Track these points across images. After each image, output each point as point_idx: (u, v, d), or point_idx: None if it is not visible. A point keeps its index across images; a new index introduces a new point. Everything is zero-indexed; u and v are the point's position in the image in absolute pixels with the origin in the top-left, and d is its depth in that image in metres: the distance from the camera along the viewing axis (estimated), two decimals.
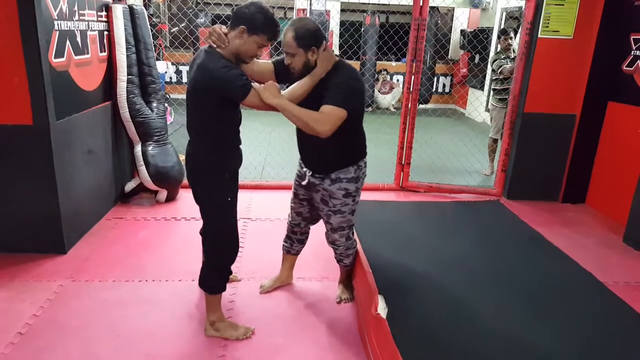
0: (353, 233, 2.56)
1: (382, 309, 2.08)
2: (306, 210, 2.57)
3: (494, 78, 5.02)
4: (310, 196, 2.48)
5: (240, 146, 2.25)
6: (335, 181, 2.31)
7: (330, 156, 2.28)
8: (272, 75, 2.26)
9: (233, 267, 2.97)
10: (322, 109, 2.05)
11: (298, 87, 2.12)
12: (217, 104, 2.02)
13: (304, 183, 2.42)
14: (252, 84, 2.03)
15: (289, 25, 2.10)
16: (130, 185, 3.99)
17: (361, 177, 2.39)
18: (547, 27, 3.98)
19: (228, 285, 2.76)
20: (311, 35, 2.09)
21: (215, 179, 2.14)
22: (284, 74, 2.24)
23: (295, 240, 2.72)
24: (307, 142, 2.33)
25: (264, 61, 2.31)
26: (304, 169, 2.42)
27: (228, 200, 2.19)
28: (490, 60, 5.27)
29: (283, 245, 2.77)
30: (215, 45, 2.04)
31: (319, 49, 2.11)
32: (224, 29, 2.06)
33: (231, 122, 2.15)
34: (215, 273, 2.29)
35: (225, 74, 1.96)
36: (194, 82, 2.03)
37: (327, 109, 2.04)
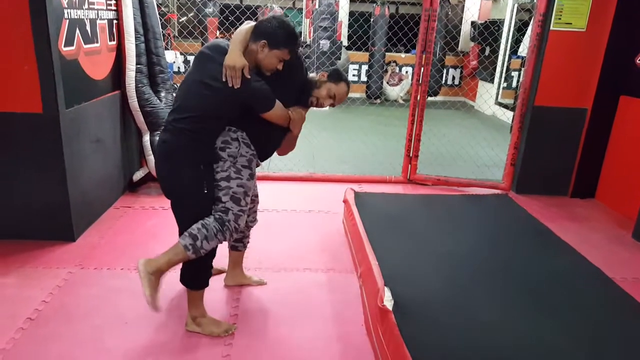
0: None
1: (388, 301, 2.09)
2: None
3: None
4: None
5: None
6: None
7: None
8: None
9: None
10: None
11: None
12: (231, 107, 2.06)
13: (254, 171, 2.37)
14: (278, 102, 2.13)
15: (343, 81, 2.28)
16: (138, 175, 4.01)
17: None
18: (560, 19, 3.93)
19: None
20: None
21: (191, 171, 2.10)
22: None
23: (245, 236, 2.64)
24: (276, 140, 2.36)
25: None
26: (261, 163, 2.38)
27: (205, 192, 2.13)
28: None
29: (235, 245, 2.63)
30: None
31: None
32: (245, 69, 2.01)
33: (226, 123, 2.15)
34: (195, 269, 2.24)
35: (258, 87, 2.05)
36: (217, 80, 2.00)
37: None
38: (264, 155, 2.34)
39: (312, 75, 2.38)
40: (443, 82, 9.78)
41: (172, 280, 2.66)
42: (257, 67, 2.08)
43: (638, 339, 2.13)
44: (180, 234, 2.20)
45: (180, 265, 2.24)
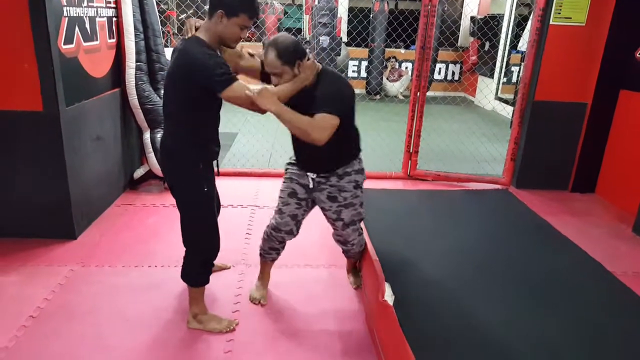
0: (362, 228, 2.50)
1: (388, 296, 2.09)
2: (301, 212, 2.41)
3: None
4: (311, 196, 2.38)
5: (217, 136, 2.19)
6: (344, 175, 2.29)
7: (333, 156, 2.25)
8: (257, 74, 2.24)
9: (241, 254, 3.02)
10: (316, 117, 2.00)
11: (280, 91, 2.02)
12: (198, 91, 1.96)
13: (311, 186, 2.33)
14: (240, 82, 1.93)
15: (268, 46, 2.03)
16: (139, 172, 4.02)
17: (364, 169, 2.38)
18: (559, 13, 3.92)
19: (236, 273, 2.81)
20: (293, 50, 2.02)
21: (190, 169, 2.09)
22: (268, 77, 2.18)
23: (281, 248, 2.54)
24: (307, 146, 2.14)
25: (252, 58, 2.26)
26: (308, 174, 2.31)
27: (205, 190, 2.12)
28: None
29: (267, 255, 2.55)
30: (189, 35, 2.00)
31: (303, 61, 2.06)
32: (198, 22, 2.02)
33: (210, 112, 2.09)
34: (198, 266, 2.25)
35: (206, 60, 1.88)
36: (175, 67, 1.97)
37: (321, 117, 2.00)
38: (299, 156, 2.36)
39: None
40: (442, 78, 9.76)
41: (172, 279, 2.68)
42: (221, 41, 2.00)
43: (638, 333, 2.14)
44: (183, 232, 2.21)
45: (181, 262, 2.26)
